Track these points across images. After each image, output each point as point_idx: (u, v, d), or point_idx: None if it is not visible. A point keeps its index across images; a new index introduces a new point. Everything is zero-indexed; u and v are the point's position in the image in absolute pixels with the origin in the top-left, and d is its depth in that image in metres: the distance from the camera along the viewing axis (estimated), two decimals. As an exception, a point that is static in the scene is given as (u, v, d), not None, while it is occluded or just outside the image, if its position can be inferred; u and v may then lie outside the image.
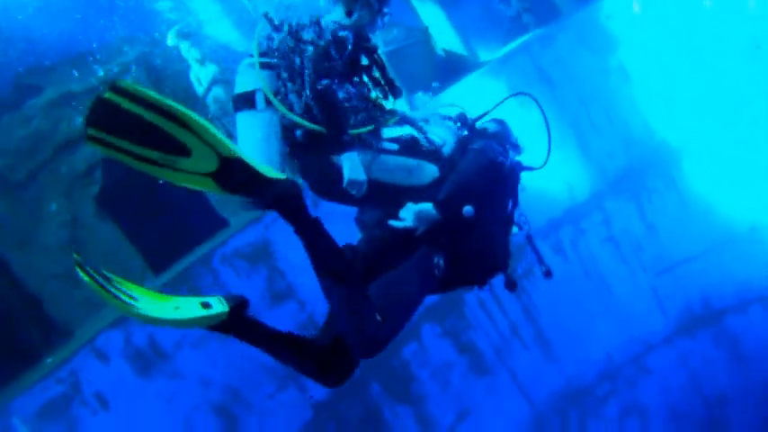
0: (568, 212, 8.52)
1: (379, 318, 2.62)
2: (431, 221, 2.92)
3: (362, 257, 3.05)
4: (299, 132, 3.00)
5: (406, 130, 3.29)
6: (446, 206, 2.93)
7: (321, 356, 2.80)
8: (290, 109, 2.97)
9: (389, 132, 3.22)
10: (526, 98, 3.69)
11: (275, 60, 3.06)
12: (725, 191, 8.56)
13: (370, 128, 3.04)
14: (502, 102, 3.56)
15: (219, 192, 2.33)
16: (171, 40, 8.24)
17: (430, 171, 3.14)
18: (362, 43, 3.24)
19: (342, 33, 3.13)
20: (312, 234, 2.60)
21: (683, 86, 8.32)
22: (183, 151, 2.20)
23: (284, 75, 3.01)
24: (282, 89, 3.03)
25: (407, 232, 2.93)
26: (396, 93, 3.28)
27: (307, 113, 2.96)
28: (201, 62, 8.26)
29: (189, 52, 8.25)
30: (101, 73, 8.94)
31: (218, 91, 8.19)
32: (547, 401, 8.88)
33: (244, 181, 2.33)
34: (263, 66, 3.03)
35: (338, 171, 2.97)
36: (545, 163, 3.51)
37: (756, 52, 8.14)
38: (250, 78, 3.01)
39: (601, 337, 8.86)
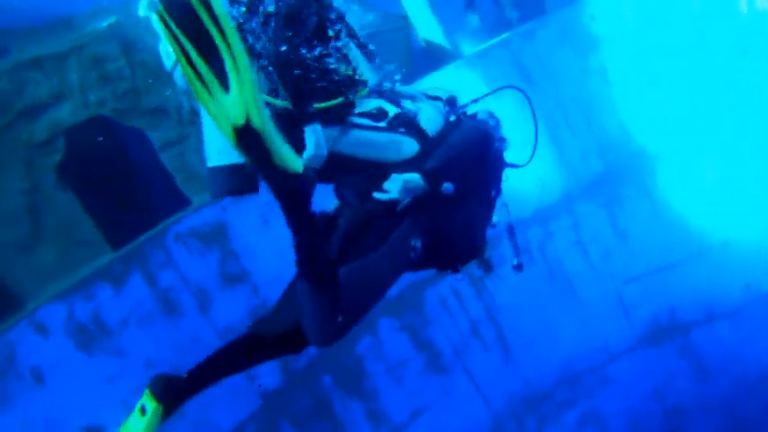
0: (538, 213, 8.33)
1: (340, 319, 2.52)
2: (417, 192, 2.84)
3: (342, 232, 2.96)
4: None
5: (378, 103, 3.13)
6: (435, 176, 2.85)
7: (290, 339, 2.75)
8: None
9: (362, 106, 3.04)
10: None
11: None
12: (699, 202, 8.39)
13: (338, 101, 2.85)
14: (493, 92, 3.49)
15: (236, 148, 2.21)
16: (142, 11, 7.96)
17: (408, 145, 2.99)
18: (326, 11, 2.98)
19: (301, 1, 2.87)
20: (309, 235, 2.39)
21: (663, 93, 8.12)
22: (225, 85, 2.11)
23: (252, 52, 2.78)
24: None
25: (391, 204, 2.84)
26: (370, 58, 3.09)
27: (274, 91, 2.77)
28: (171, 34, 7.98)
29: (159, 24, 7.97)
30: (71, 40, 8.70)
31: None
32: (505, 404, 8.72)
33: (256, 155, 2.18)
34: None
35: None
36: (530, 160, 3.50)
37: (742, 61, 7.93)
38: None
39: (563, 342, 8.70)
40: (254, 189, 2.75)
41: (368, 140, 2.90)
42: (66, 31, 8.84)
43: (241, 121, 2.10)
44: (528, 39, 7.85)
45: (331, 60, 2.91)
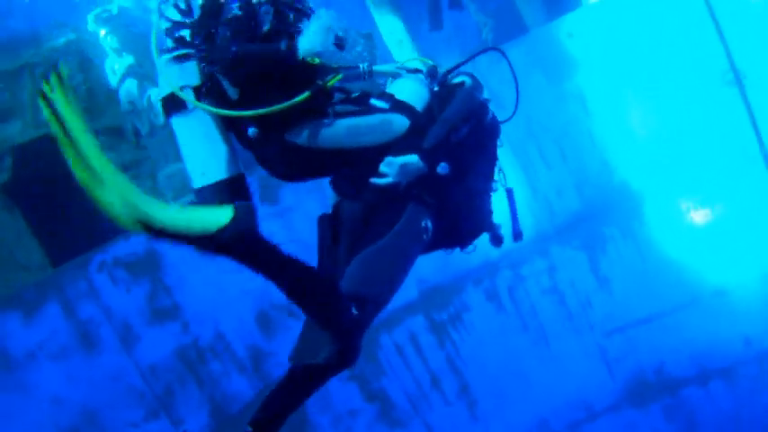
0: (508, 255, 7.53)
1: (355, 312, 2.51)
2: (416, 174, 2.81)
3: (347, 228, 2.95)
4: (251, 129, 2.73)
5: (357, 86, 3.06)
6: (433, 155, 2.83)
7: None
8: (224, 96, 2.66)
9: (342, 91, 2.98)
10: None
11: (194, 48, 2.68)
12: (691, 246, 7.48)
13: (305, 95, 2.66)
14: (472, 57, 3.51)
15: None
16: (90, 26, 7.62)
17: (398, 121, 2.90)
18: None
19: None
20: (274, 268, 2.34)
21: (650, 122, 7.31)
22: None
23: (209, 59, 2.66)
24: (210, 78, 2.68)
25: (391, 188, 2.79)
26: (339, 45, 2.88)
27: (247, 96, 2.67)
28: (119, 52, 7.62)
29: (106, 40, 7.62)
30: (26, 57, 8.33)
31: (131, 84, 7.56)
32: (468, 465, 7.85)
33: (170, 238, 2.18)
34: (178, 59, 2.67)
35: (305, 148, 2.74)
36: (513, 114, 3.56)
37: (732, 89, 7.09)
38: (171, 76, 2.65)
39: (536, 398, 7.81)
40: (248, 199, 2.66)
41: (355, 127, 2.79)
42: (25, 46, 8.47)
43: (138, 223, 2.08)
44: (496, 59, 7.12)
45: (285, 47, 2.73)
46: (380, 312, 2.64)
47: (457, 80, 3.41)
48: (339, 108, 2.83)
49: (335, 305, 2.49)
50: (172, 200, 7.66)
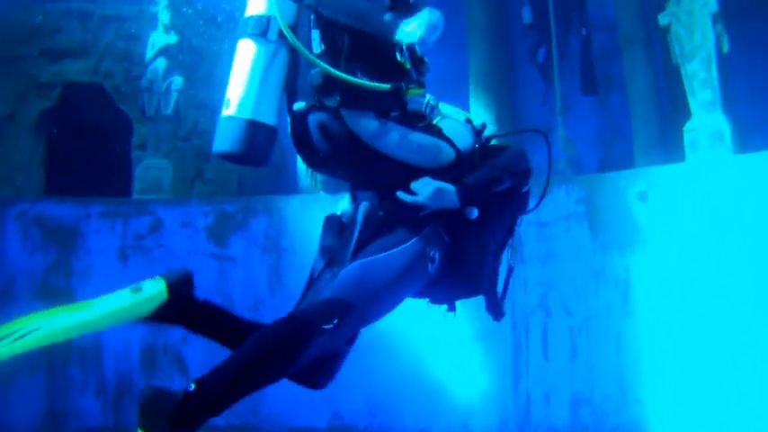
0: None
1: (329, 326, 2.26)
2: (447, 204, 2.70)
3: (359, 226, 2.79)
4: (314, 71, 2.62)
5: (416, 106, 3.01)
6: (472, 193, 2.74)
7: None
8: (306, 45, 2.61)
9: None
10: None
11: None
12: None
13: (387, 86, 2.64)
14: (516, 132, 3.68)
15: None
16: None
17: (447, 152, 2.85)
18: None
19: None
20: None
21: (706, 354, 5.17)
22: None
23: (311, 4, 2.66)
24: (303, 22, 2.68)
25: (413, 209, 2.70)
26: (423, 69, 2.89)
27: (329, 54, 2.64)
28: (167, 28, 7.33)
29: (162, 12, 7.35)
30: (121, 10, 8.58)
31: (160, 63, 7.24)
32: None
33: None
34: None
35: (349, 133, 2.65)
36: (538, 204, 3.17)
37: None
38: (271, 3, 2.65)
39: None
40: (264, 161, 2.65)
41: (407, 140, 2.75)
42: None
43: None
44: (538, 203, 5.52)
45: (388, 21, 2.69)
46: (364, 325, 2.44)
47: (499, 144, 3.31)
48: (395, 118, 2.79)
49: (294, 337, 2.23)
50: (137, 192, 7.02)
